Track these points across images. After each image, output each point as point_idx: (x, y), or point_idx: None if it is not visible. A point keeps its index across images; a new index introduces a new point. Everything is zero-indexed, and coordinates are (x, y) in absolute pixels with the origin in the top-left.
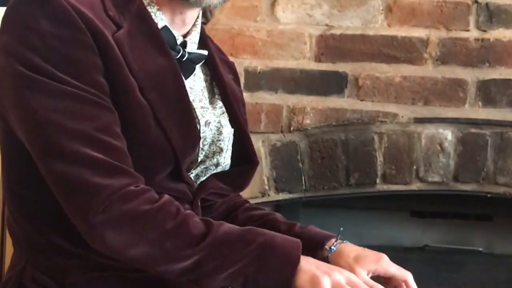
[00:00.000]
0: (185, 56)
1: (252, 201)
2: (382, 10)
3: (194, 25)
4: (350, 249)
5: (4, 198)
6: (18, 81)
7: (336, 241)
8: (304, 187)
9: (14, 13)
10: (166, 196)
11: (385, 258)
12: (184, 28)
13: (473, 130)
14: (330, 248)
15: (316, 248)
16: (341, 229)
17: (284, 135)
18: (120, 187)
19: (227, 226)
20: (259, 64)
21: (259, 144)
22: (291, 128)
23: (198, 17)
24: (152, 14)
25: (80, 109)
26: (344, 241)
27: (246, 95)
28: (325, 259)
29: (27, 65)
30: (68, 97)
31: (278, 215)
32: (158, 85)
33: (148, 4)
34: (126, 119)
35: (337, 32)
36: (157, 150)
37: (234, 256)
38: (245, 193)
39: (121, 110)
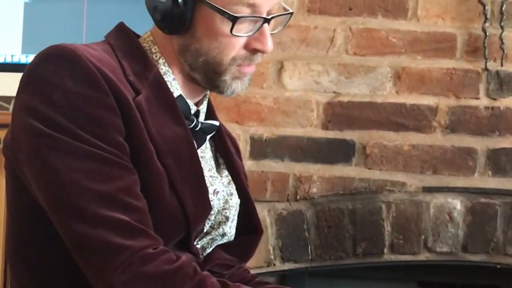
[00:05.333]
0: (198, 126)
1: (257, 271)
2: (390, 77)
3: (205, 95)
4: None
5: (8, 261)
6: (38, 139)
7: None
8: (310, 257)
9: (36, 72)
10: (184, 257)
11: None
12: (197, 97)
13: (482, 199)
14: None
15: None
16: None
17: (290, 204)
18: (140, 248)
19: None
20: (265, 132)
21: (264, 213)
22: (297, 197)
23: None
24: (168, 83)
25: (102, 169)
26: None
27: (251, 163)
28: None
29: (48, 123)
30: (90, 157)
31: None
32: (174, 152)
33: (165, 73)
34: (143, 183)
35: (345, 99)
36: (170, 216)
37: None
38: (250, 263)
39: (139, 174)
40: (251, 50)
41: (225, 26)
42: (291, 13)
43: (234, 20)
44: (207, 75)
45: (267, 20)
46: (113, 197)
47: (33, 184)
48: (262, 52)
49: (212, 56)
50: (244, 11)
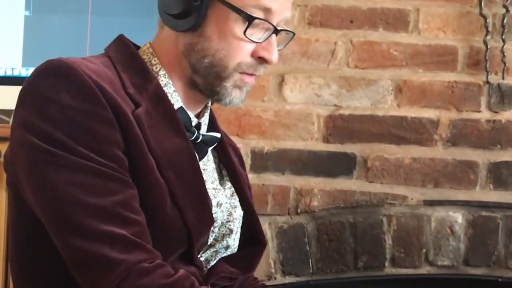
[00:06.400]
0: (199, 138)
1: None
2: (391, 90)
3: (205, 106)
4: None
5: (11, 272)
6: (36, 155)
7: None
8: (311, 270)
9: (33, 87)
10: (182, 271)
11: None
12: (197, 109)
13: (484, 213)
14: None
15: None
16: None
17: (291, 217)
18: (136, 262)
19: None
20: (266, 145)
21: (265, 226)
22: (299, 210)
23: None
24: (169, 94)
25: (99, 184)
26: None
27: (252, 176)
28: None
29: (45, 138)
30: (88, 171)
31: None
32: (174, 164)
33: (165, 85)
34: (144, 196)
35: (346, 112)
36: (172, 230)
37: None
38: None
39: (140, 187)
40: (257, 58)
41: (238, 27)
42: (294, 34)
43: (250, 20)
44: (209, 79)
45: (276, 31)
46: (110, 211)
47: (32, 199)
48: (268, 62)
49: (219, 58)
50: (259, 15)
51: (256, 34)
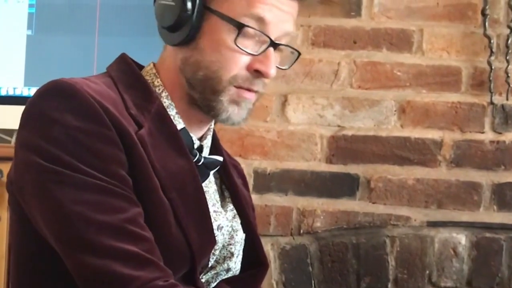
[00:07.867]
0: (201, 160)
1: None
2: (395, 110)
3: (208, 128)
4: None
5: None
6: (42, 175)
7: None
8: None
9: (36, 108)
10: None
11: None
12: (200, 131)
13: (487, 234)
14: None
15: None
16: None
17: (293, 238)
18: (150, 279)
19: None
20: (268, 165)
21: (268, 247)
22: (301, 231)
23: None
24: (171, 116)
25: (106, 201)
26: None
27: (255, 197)
28: None
29: (50, 159)
30: (94, 189)
31: None
32: (178, 185)
33: (168, 107)
34: (148, 217)
35: (349, 133)
36: (175, 250)
37: None
38: None
39: (144, 207)
40: (253, 72)
41: (230, 37)
42: (299, 53)
43: (239, 27)
44: (205, 94)
45: (273, 44)
46: (120, 228)
47: (39, 219)
48: (264, 75)
49: (213, 70)
50: (252, 25)
51: (251, 46)
